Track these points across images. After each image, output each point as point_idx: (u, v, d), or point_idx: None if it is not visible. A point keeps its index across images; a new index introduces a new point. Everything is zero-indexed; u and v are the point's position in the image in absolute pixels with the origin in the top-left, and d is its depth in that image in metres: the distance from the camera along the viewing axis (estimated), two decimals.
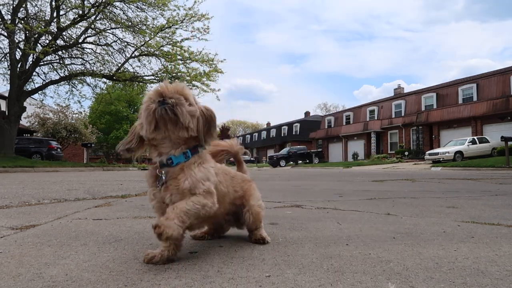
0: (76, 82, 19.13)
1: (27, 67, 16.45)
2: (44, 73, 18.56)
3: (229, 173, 1.58)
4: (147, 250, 1.41)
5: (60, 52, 17.84)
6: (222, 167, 1.54)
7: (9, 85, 17.09)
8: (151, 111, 1.26)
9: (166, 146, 1.34)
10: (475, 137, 24.35)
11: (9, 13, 15.92)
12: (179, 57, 18.44)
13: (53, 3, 16.43)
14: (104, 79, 19.25)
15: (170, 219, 1.24)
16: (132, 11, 17.50)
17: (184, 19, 17.72)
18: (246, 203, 1.62)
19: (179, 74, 19.04)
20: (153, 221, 1.28)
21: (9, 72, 16.82)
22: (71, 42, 17.56)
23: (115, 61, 18.96)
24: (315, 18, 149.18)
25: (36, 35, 16.27)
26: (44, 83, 18.20)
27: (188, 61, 18.70)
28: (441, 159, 22.31)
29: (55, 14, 16.73)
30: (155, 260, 1.30)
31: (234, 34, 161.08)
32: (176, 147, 1.34)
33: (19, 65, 16.09)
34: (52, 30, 16.44)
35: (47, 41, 16.96)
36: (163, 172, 1.33)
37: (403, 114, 34.99)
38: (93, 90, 19.81)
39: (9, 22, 15.15)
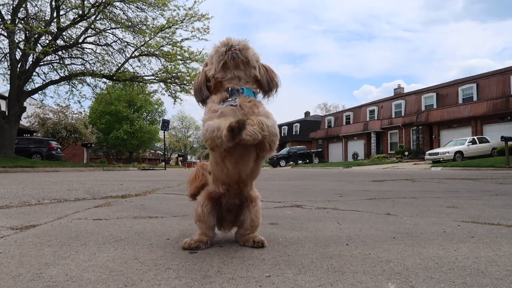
0: (76, 82, 19.15)
1: (27, 67, 16.45)
2: (44, 73, 18.60)
3: None
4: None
5: (60, 52, 17.85)
6: None
7: (9, 85, 17.10)
8: (222, 53, 1.39)
9: (235, 83, 1.42)
10: (475, 137, 24.36)
11: (9, 13, 15.93)
12: (179, 57, 18.45)
13: (53, 3, 16.44)
14: (104, 79, 19.27)
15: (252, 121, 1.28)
16: (132, 11, 17.52)
17: (184, 19, 17.74)
18: (253, 205, 1.58)
19: (179, 74, 19.06)
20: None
21: (9, 72, 16.82)
22: (71, 42, 17.57)
23: (115, 61, 19.00)
24: (314, 18, 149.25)
25: (36, 35, 16.28)
26: (44, 83, 18.21)
27: (188, 61, 18.72)
28: (441, 159, 22.32)
29: (55, 14, 16.74)
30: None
31: (234, 34, 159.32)
32: (246, 83, 1.44)
33: (19, 65, 16.09)
34: (52, 30, 16.45)
35: (47, 41, 16.97)
36: (235, 97, 1.38)
37: (403, 114, 34.99)
38: (93, 90, 19.85)
39: (9, 22, 15.16)
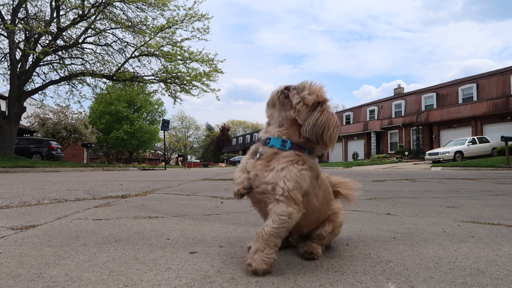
0: (76, 82, 19.13)
1: (27, 67, 16.44)
2: (44, 73, 18.58)
3: (330, 193, 1.47)
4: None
5: (60, 52, 17.84)
6: (325, 183, 1.44)
7: (9, 85, 17.08)
8: (274, 93, 1.35)
9: (272, 127, 1.34)
10: (475, 137, 24.36)
11: (9, 13, 15.92)
12: (179, 57, 18.46)
13: (53, 3, 16.43)
14: (104, 79, 19.26)
15: (260, 250, 1.19)
16: (132, 11, 17.51)
17: (184, 19, 17.74)
18: (330, 220, 1.47)
19: (179, 74, 19.06)
20: (248, 259, 1.22)
21: (9, 72, 16.82)
22: (71, 42, 17.56)
23: (115, 61, 18.99)
24: (314, 19, 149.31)
25: (36, 35, 16.27)
26: (44, 83, 18.20)
27: (188, 61, 18.72)
28: (441, 159, 22.33)
29: (55, 14, 16.73)
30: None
31: (234, 35, 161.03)
32: (279, 126, 1.32)
33: (19, 65, 16.09)
34: (52, 30, 16.44)
35: (47, 41, 16.96)
36: (261, 148, 1.33)
37: (403, 114, 35.00)
38: (93, 90, 19.82)
39: (9, 22, 15.16)
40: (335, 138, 1.28)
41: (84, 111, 27.97)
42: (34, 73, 17.66)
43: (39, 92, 18.59)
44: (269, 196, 1.23)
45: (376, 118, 38.20)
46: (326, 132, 1.24)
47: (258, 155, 1.32)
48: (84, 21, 17.11)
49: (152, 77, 19.50)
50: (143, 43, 18.04)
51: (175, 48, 18.38)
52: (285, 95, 1.31)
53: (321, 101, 1.28)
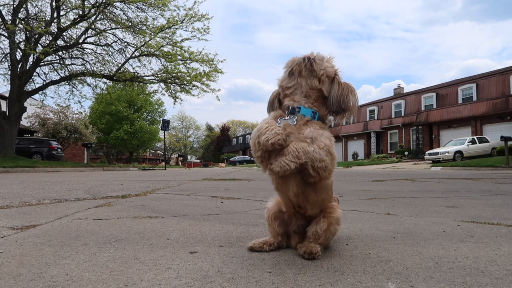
0: (77, 82, 19.15)
1: (27, 68, 16.46)
2: (44, 73, 18.59)
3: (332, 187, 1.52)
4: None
5: (60, 53, 17.84)
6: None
7: (9, 85, 17.09)
8: (291, 61, 1.35)
9: (298, 96, 1.35)
10: (475, 137, 24.36)
11: (10, 13, 15.93)
12: (179, 57, 18.47)
13: (54, 3, 16.44)
14: (104, 79, 19.27)
15: (284, 155, 1.23)
16: (132, 11, 17.52)
17: (184, 19, 17.75)
18: (326, 216, 1.45)
19: (179, 74, 19.07)
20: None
21: (9, 72, 16.82)
22: (71, 43, 17.57)
23: (115, 61, 19.00)
24: (313, 19, 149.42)
25: (37, 36, 16.27)
26: (44, 83, 18.20)
27: (188, 61, 18.73)
28: (441, 159, 22.33)
29: (55, 15, 16.74)
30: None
31: (234, 35, 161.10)
32: (307, 100, 1.35)
33: (19, 66, 16.09)
34: (53, 31, 16.44)
35: (48, 42, 16.97)
36: (294, 116, 1.32)
37: (403, 114, 35.00)
38: (93, 90, 19.83)
39: (9, 22, 15.17)
40: (358, 104, 1.40)
41: (85, 111, 28.03)
42: (35, 73, 17.68)
43: (40, 92, 18.60)
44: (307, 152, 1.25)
45: (376, 118, 38.21)
46: (351, 101, 1.36)
47: (295, 120, 1.31)
48: (85, 21, 17.12)
49: (152, 77, 19.51)
50: (143, 43, 18.05)
51: (175, 48, 18.40)
52: (311, 63, 1.32)
53: (336, 73, 1.39)
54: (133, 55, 18.66)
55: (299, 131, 1.29)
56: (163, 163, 35.96)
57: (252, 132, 1.36)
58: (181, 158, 51.30)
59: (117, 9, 17.29)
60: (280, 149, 1.25)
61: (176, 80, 19.26)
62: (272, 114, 1.39)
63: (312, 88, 1.34)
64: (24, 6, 15.99)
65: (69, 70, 18.57)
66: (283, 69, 1.40)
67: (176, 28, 18.09)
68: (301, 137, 1.27)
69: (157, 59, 18.72)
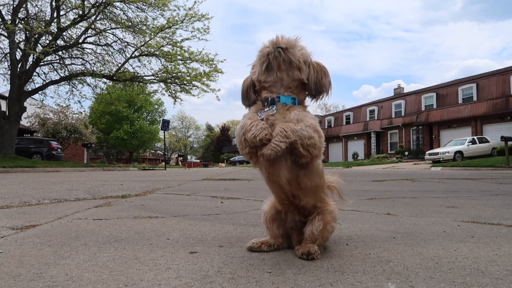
0: (76, 82, 19.15)
1: (27, 67, 16.46)
2: (44, 73, 18.60)
3: (323, 176, 1.50)
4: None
5: (60, 52, 17.85)
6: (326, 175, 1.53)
7: (9, 85, 17.10)
8: (265, 53, 1.30)
9: (277, 89, 1.34)
10: (475, 137, 24.37)
11: (10, 13, 15.93)
12: (179, 57, 18.47)
13: (53, 3, 16.44)
14: (104, 79, 19.27)
15: (273, 141, 1.23)
16: (132, 11, 17.53)
17: (184, 19, 17.76)
18: (322, 213, 1.44)
19: (179, 74, 19.07)
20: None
21: (9, 72, 16.83)
22: (71, 42, 17.57)
23: (115, 61, 19.00)
24: (313, 19, 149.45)
25: (37, 35, 16.27)
26: (44, 83, 18.21)
27: (188, 61, 18.74)
28: (441, 159, 22.33)
29: (55, 15, 16.74)
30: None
31: (233, 35, 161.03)
32: (287, 88, 1.34)
33: (19, 65, 16.10)
34: (52, 30, 16.44)
35: (48, 41, 16.97)
36: (272, 106, 1.32)
37: (403, 114, 35.00)
38: (93, 90, 19.84)
39: (9, 22, 15.17)
40: (331, 85, 1.41)
41: (84, 111, 28.06)
42: (35, 73, 17.68)
43: (39, 92, 18.61)
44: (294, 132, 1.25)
45: (376, 118, 38.20)
46: (326, 81, 1.38)
47: (274, 109, 1.30)
48: (84, 21, 17.12)
49: (152, 77, 19.52)
50: (143, 43, 18.06)
51: (175, 48, 18.40)
52: (288, 55, 1.29)
53: (310, 56, 1.38)
54: (133, 55, 18.67)
55: (284, 116, 1.29)
56: (163, 163, 35.96)
57: (236, 129, 1.35)
58: (181, 158, 51.30)
59: (117, 9, 17.31)
60: (267, 143, 1.25)
61: (176, 80, 19.26)
62: (253, 109, 1.38)
63: (294, 80, 1.33)
64: (24, 6, 15.99)
65: (69, 70, 18.58)
66: (257, 60, 1.36)
67: (176, 28, 18.10)
68: (287, 120, 1.28)
69: (157, 59, 18.73)
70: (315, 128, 1.27)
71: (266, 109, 1.32)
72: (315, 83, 1.36)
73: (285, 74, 1.32)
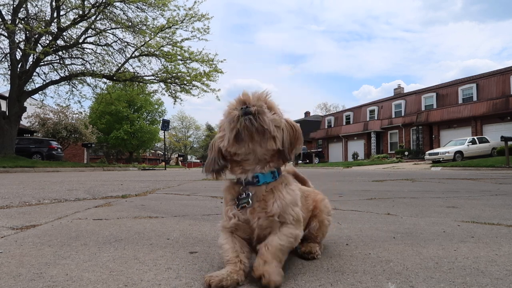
0: (76, 82, 19.16)
1: (27, 67, 16.46)
2: (44, 73, 18.61)
3: (303, 192, 1.40)
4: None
5: (60, 52, 17.86)
6: (299, 187, 1.37)
7: (9, 85, 17.11)
8: (234, 119, 1.11)
9: (251, 162, 1.18)
10: (475, 137, 24.37)
11: (10, 13, 15.94)
12: (179, 57, 18.48)
13: (54, 3, 16.45)
14: (104, 79, 19.28)
15: (269, 262, 1.10)
16: (132, 11, 17.54)
17: (184, 19, 17.77)
18: (319, 213, 1.44)
19: (179, 74, 19.07)
20: (257, 270, 1.10)
21: (9, 72, 16.83)
22: (71, 42, 17.58)
23: (115, 61, 19.01)
24: (313, 19, 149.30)
25: (37, 36, 16.28)
26: (44, 83, 18.21)
27: (188, 61, 18.75)
28: (441, 159, 22.33)
29: (55, 15, 16.75)
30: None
31: (233, 35, 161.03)
32: (262, 163, 1.19)
33: (19, 65, 16.10)
34: (53, 31, 16.45)
35: (48, 41, 16.98)
36: (248, 192, 1.18)
37: (403, 114, 35.00)
38: (93, 90, 19.86)
39: (9, 22, 15.17)
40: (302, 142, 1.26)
41: (84, 111, 28.04)
42: (35, 73, 17.69)
43: (40, 92, 18.62)
44: (275, 224, 1.17)
45: (376, 118, 38.21)
46: (299, 145, 1.23)
47: (249, 200, 1.17)
48: (84, 21, 17.13)
49: (152, 77, 19.52)
50: (143, 43, 18.07)
51: (175, 48, 18.41)
52: (261, 123, 1.11)
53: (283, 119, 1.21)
54: (133, 55, 18.67)
55: (264, 207, 1.16)
56: (163, 163, 35.97)
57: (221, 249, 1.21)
58: (181, 158, 51.32)
59: (117, 9, 17.32)
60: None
61: (176, 80, 19.27)
62: (226, 191, 1.24)
63: (268, 150, 1.16)
64: (24, 6, 15.99)
65: (69, 70, 18.58)
66: (225, 123, 1.16)
67: (176, 28, 18.11)
68: (268, 214, 1.15)
69: (157, 59, 18.73)
70: (297, 217, 1.18)
71: (243, 196, 1.18)
72: (289, 148, 1.19)
73: (258, 146, 1.13)
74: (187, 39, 18.12)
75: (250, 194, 1.17)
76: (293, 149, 1.21)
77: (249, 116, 1.10)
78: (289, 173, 1.34)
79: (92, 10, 16.55)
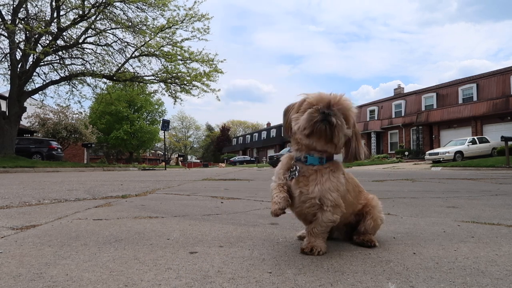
0: (76, 82, 19.14)
1: (27, 68, 16.45)
2: (44, 73, 18.58)
3: (358, 186, 1.62)
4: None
5: (60, 53, 17.84)
6: (352, 178, 1.57)
7: (9, 85, 17.09)
8: (313, 121, 1.31)
9: (310, 149, 1.41)
10: (475, 137, 24.36)
11: (10, 13, 15.93)
12: (179, 57, 18.47)
13: (53, 3, 16.44)
14: (104, 79, 19.27)
15: (319, 238, 1.44)
16: (132, 11, 17.53)
17: (184, 19, 17.76)
18: (371, 210, 1.60)
19: (179, 74, 19.07)
20: (305, 243, 1.46)
21: (9, 72, 16.82)
22: (71, 43, 17.57)
23: (115, 61, 19.00)
24: (312, 20, 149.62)
25: (37, 36, 16.27)
26: (44, 83, 18.20)
27: (188, 61, 18.74)
28: (441, 159, 22.32)
29: (55, 15, 16.74)
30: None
31: (233, 36, 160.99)
32: (318, 153, 1.41)
33: (19, 66, 16.09)
34: (53, 31, 16.44)
35: (48, 42, 16.97)
36: (297, 166, 1.42)
37: (403, 114, 34.99)
38: (93, 90, 19.83)
39: (9, 22, 15.17)
40: (365, 152, 1.49)
41: (84, 111, 28.02)
42: (35, 73, 17.67)
43: (40, 92, 18.60)
44: (317, 207, 1.39)
45: (376, 118, 38.20)
46: (363, 153, 1.45)
47: (296, 173, 1.41)
48: (84, 21, 17.12)
49: (152, 77, 19.51)
50: (143, 43, 18.06)
51: (175, 48, 18.40)
52: (331, 131, 1.31)
53: (355, 126, 1.43)
54: (133, 55, 18.66)
55: (308, 187, 1.38)
56: (163, 163, 35.97)
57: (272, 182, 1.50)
58: (181, 158, 51.31)
59: (117, 9, 17.31)
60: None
61: (176, 80, 19.26)
62: (285, 162, 1.49)
63: (329, 146, 1.39)
64: (24, 6, 15.98)
65: (69, 70, 18.57)
66: (304, 115, 1.35)
67: (176, 28, 18.10)
68: (310, 203, 1.39)
69: (157, 59, 18.73)
70: (335, 202, 1.39)
71: (293, 169, 1.43)
72: (352, 152, 1.43)
73: (321, 146, 1.36)
74: (187, 39, 18.13)
75: (298, 168, 1.41)
76: (353, 159, 1.44)
77: (327, 123, 1.30)
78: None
79: (92, 10, 16.55)
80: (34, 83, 18.37)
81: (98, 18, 17.17)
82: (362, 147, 1.45)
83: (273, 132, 58.64)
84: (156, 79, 19.53)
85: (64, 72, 18.55)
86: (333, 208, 1.38)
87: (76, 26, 17.24)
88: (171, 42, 18.37)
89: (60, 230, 1.94)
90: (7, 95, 18.48)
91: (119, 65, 18.83)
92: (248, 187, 5.19)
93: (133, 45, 18.45)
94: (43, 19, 16.44)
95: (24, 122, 24.70)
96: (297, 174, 1.40)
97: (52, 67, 18.48)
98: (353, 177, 1.60)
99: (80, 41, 17.67)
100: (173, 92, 19.86)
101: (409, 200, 3.53)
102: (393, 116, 36.22)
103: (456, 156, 22.29)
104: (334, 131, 1.31)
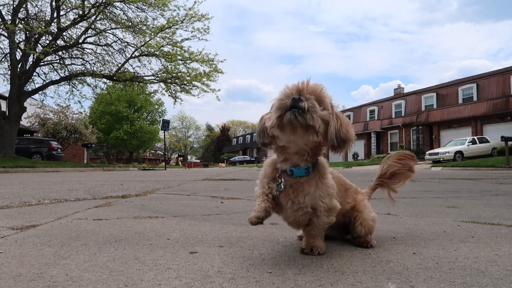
0: (76, 82, 19.15)
1: (27, 68, 16.45)
2: (44, 73, 18.59)
3: (344, 184, 1.59)
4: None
5: (60, 53, 17.85)
6: (338, 177, 1.52)
7: (9, 85, 17.10)
8: (283, 107, 1.22)
9: (291, 151, 1.32)
10: (475, 137, 24.36)
11: (10, 13, 15.93)
12: (179, 57, 18.48)
13: (53, 3, 16.44)
14: (104, 79, 19.27)
15: (317, 238, 1.44)
16: (132, 11, 17.54)
17: (184, 19, 17.77)
18: (359, 215, 1.58)
19: (179, 74, 19.07)
20: (304, 244, 1.47)
21: (9, 72, 16.82)
22: (71, 43, 17.57)
23: (115, 61, 19.01)
24: (312, 20, 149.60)
25: (37, 36, 16.27)
26: (44, 83, 18.20)
27: (188, 61, 18.75)
28: (441, 159, 22.33)
29: (55, 15, 16.74)
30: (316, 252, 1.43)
31: (233, 36, 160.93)
32: (302, 155, 1.31)
33: (19, 66, 16.09)
34: (53, 31, 16.44)
35: (48, 42, 16.97)
36: (282, 179, 1.34)
37: (403, 114, 34.99)
38: (93, 90, 19.84)
39: (9, 22, 15.17)
40: (353, 134, 1.34)
41: (84, 111, 28.01)
42: (35, 73, 17.67)
43: (40, 92, 18.61)
44: (310, 213, 1.36)
45: (376, 118, 38.20)
46: (350, 133, 1.29)
47: (282, 186, 1.33)
48: (84, 21, 17.12)
49: (152, 77, 19.52)
50: (143, 43, 18.06)
51: (175, 48, 18.41)
52: (306, 119, 1.19)
53: (333, 108, 1.30)
54: (133, 55, 18.67)
55: (296, 197, 1.34)
56: (163, 163, 35.97)
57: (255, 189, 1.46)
58: (181, 158, 51.32)
59: (117, 9, 17.31)
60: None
61: (176, 80, 19.27)
62: (268, 171, 1.41)
63: (309, 141, 1.27)
64: (24, 6, 15.98)
65: (69, 70, 18.57)
66: (274, 107, 1.26)
67: (176, 28, 18.11)
68: (303, 211, 1.35)
69: (157, 59, 18.73)
70: (328, 206, 1.36)
71: (278, 183, 1.35)
72: (336, 138, 1.26)
73: (300, 138, 1.24)
74: (187, 39, 18.13)
75: (283, 181, 1.34)
76: (341, 143, 1.27)
77: (298, 110, 1.19)
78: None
79: (92, 10, 16.55)
80: (34, 83, 18.39)
81: (98, 18, 17.18)
82: (347, 129, 1.27)
83: None
84: (156, 79, 19.54)
85: (64, 72, 18.56)
86: (327, 211, 1.37)
87: (76, 26, 17.25)
88: (171, 42, 18.38)
89: (60, 230, 1.94)
90: (7, 95, 18.48)
91: (119, 65, 18.84)
92: (248, 187, 5.19)
93: (133, 45, 18.47)
94: (43, 19, 16.44)
95: (24, 122, 24.69)
96: (282, 187, 1.33)
97: (52, 67, 18.49)
98: (339, 175, 1.55)
99: (80, 41, 17.67)
100: (173, 92, 19.88)
101: (409, 200, 3.53)
102: (393, 116, 36.22)
103: (456, 156, 22.29)
104: (307, 115, 1.19)
